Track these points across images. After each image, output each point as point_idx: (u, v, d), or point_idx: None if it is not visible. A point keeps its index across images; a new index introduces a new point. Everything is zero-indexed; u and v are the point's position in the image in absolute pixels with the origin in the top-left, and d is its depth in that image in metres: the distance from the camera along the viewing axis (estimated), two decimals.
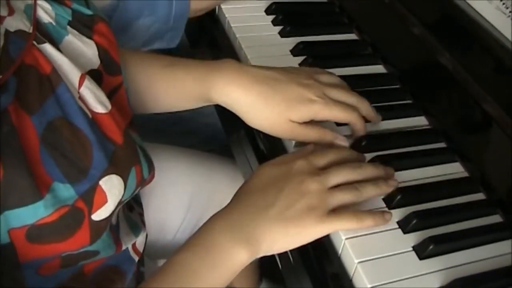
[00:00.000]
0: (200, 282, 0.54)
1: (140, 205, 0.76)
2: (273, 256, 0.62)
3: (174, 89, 0.69)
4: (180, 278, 0.54)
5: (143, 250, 0.70)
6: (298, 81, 0.65)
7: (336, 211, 0.57)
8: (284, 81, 0.65)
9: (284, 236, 0.55)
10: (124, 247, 0.63)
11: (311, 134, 0.64)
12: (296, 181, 0.57)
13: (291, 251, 0.61)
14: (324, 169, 0.59)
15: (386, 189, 0.60)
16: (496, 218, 0.62)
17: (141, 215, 0.74)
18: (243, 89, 0.64)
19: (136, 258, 0.67)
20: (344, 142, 0.65)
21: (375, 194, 0.59)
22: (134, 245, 0.67)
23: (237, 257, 0.54)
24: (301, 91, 0.64)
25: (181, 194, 0.88)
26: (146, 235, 0.71)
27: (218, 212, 0.58)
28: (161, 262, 0.95)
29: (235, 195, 0.60)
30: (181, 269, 0.55)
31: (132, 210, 0.71)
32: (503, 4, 0.64)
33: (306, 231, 0.55)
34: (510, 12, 0.63)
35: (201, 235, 0.56)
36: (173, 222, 0.88)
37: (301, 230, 0.55)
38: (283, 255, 0.62)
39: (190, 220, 0.88)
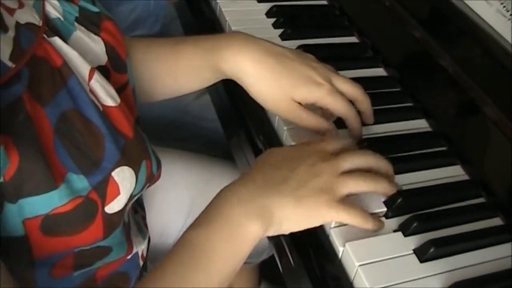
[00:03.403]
0: (215, 258, 0.53)
1: (142, 208, 0.76)
2: (273, 257, 0.62)
3: (184, 66, 0.69)
4: (194, 255, 0.53)
5: (146, 254, 0.70)
6: (308, 63, 0.65)
7: (345, 202, 0.56)
8: (294, 59, 0.65)
9: (293, 215, 0.54)
10: (134, 250, 0.63)
11: (309, 119, 0.64)
12: (308, 162, 0.57)
13: (291, 253, 0.60)
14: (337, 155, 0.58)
15: (395, 188, 0.60)
16: (496, 221, 0.62)
17: (144, 218, 0.74)
18: (252, 60, 0.64)
19: (141, 263, 0.67)
20: (336, 134, 0.65)
21: (386, 188, 0.59)
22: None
23: (251, 230, 0.53)
24: (309, 72, 0.64)
25: (182, 198, 0.88)
26: (149, 239, 0.71)
27: (227, 187, 0.57)
28: None
29: (244, 173, 0.59)
30: (194, 246, 0.54)
31: (136, 213, 0.71)
32: (504, 7, 0.64)
33: (313, 213, 0.55)
34: (510, 15, 0.63)
35: (211, 211, 0.56)
36: (174, 226, 0.88)
37: (309, 211, 0.55)
38: (283, 257, 0.62)
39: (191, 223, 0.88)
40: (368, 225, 0.56)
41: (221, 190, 0.57)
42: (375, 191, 0.58)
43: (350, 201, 0.57)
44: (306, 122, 0.64)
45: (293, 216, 0.55)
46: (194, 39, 0.70)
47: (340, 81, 0.65)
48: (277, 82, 0.63)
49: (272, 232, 0.55)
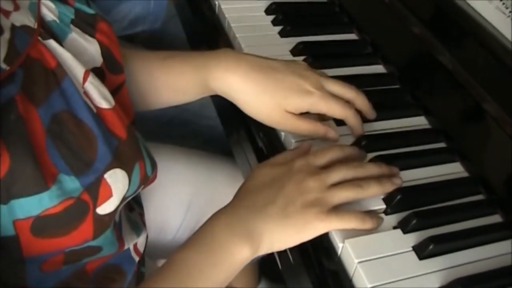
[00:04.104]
0: (203, 279, 0.54)
1: (140, 205, 0.76)
2: (272, 255, 0.62)
3: (173, 80, 0.69)
4: (183, 276, 0.54)
5: (144, 250, 0.70)
6: (296, 72, 0.65)
7: (337, 209, 0.56)
8: (282, 70, 0.65)
9: (284, 233, 0.55)
10: (126, 246, 0.63)
11: (304, 126, 0.64)
12: (295, 180, 0.57)
13: (291, 251, 0.60)
14: (325, 168, 0.59)
15: (390, 187, 0.60)
16: (496, 218, 0.62)
17: (142, 215, 0.74)
18: (241, 76, 0.64)
19: (137, 258, 0.68)
20: (335, 135, 0.65)
21: (377, 191, 0.59)
22: (135, 245, 0.67)
23: (239, 253, 0.54)
24: (298, 81, 0.64)
25: (181, 194, 0.89)
26: (147, 236, 0.71)
27: (219, 210, 0.58)
28: (161, 262, 0.95)
29: (235, 194, 0.60)
30: (183, 267, 0.55)
31: (132, 211, 0.71)
32: (503, 4, 0.64)
33: (305, 228, 0.55)
34: (510, 12, 0.63)
35: (202, 233, 0.57)
36: (173, 222, 0.88)
37: (300, 227, 0.55)
38: (283, 255, 0.62)
39: (190, 220, 0.88)
40: (366, 225, 0.57)
41: (212, 215, 0.58)
42: (366, 197, 0.59)
43: (342, 207, 0.57)
44: (304, 131, 0.65)
45: (284, 235, 0.55)
46: (184, 56, 0.70)
47: (331, 84, 0.65)
48: (267, 96, 0.63)
49: (264, 252, 0.56)
